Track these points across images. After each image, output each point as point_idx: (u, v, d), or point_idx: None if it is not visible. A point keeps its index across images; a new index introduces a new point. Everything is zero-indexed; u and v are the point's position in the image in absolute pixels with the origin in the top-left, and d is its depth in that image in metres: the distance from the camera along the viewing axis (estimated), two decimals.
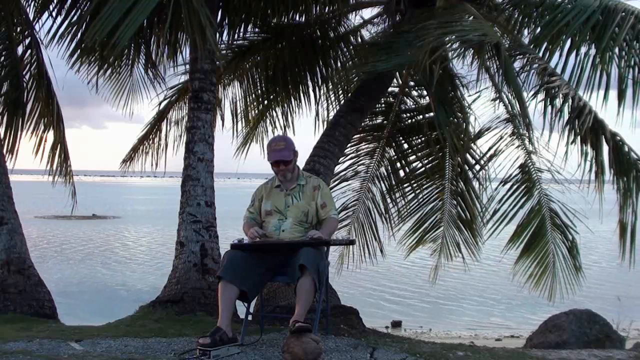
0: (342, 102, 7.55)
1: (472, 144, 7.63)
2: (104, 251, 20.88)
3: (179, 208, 5.97)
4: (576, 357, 4.56)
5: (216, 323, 4.12)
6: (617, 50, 6.15)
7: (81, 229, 27.17)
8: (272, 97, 8.32)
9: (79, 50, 6.51)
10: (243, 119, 8.55)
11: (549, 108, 5.94)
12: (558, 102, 5.95)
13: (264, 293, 5.43)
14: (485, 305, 13.85)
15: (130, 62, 7.44)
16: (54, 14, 6.31)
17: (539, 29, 6.62)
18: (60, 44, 6.32)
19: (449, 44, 5.94)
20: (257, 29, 7.79)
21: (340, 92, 7.79)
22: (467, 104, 7.40)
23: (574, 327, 6.56)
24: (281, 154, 4.55)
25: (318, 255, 4.27)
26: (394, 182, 8.21)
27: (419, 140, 8.05)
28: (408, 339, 5.48)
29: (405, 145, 8.19)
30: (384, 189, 8.24)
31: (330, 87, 7.88)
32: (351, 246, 8.16)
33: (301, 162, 6.38)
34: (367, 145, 8.24)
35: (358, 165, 8.27)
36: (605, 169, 6.27)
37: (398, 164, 8.19)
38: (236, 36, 7.60)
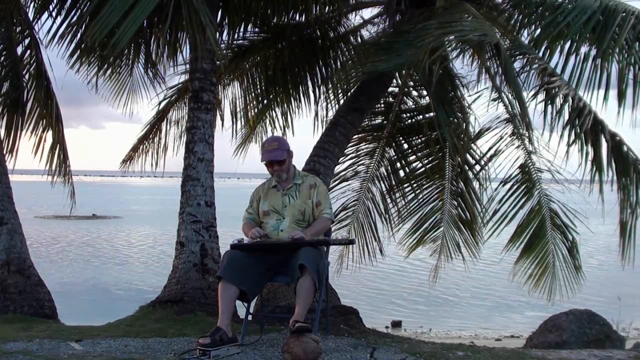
0: (342, 102, 7.55)
1: (472, 144, 7.63)
2: (104, 251, 20.86)
3: (179, 208, 5.97)
4: (576, 357, 4.56)
5: (216, 323, 4.13)
6: (617, 50, 6.14)
7: (81, 229, 27.15)
8: (271, 97, 8.32)
9: (78, 51, 6.51)
10: (243, 119, 8.56)
11: (549, 108, 5.94)
12: (558, 102, 5.95)
13: (264, 293, 5.44)
14: (485, 305, 13.85)
15: (130, 62, 7.44)
16: (53, 14, 6.31)
17: (539, 30, 6.62)
18: (60, 44, 6.32)
19: (449, 44, 5.94)
20: (257, 29, 7.79)
21: (340, 92, 7.78)
22: (467, 104, 7.40)
23: (574, 327, 6.56)
24: (274, 154, 4.57)
25: (318, 255, 4.28)
26: (394, 182, 8.20)
27: (419, 140, 8.05)
28: (408, 339, 5.48)
29: (405, 145, 8.19)
30: (384, 189, 8.24)
31: (330, 87, 7.88)
32: (351, 246, 8.16)
33: (301, 162, 6.40)
34: (367, 145, 8.24)
35: (358, 165, 8.26)
36: (604, 169, 6.26)
37: (398, 164, 8.19)
38: (236, 36, 7.61)
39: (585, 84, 6.24)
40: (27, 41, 6.59)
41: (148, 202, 48.85)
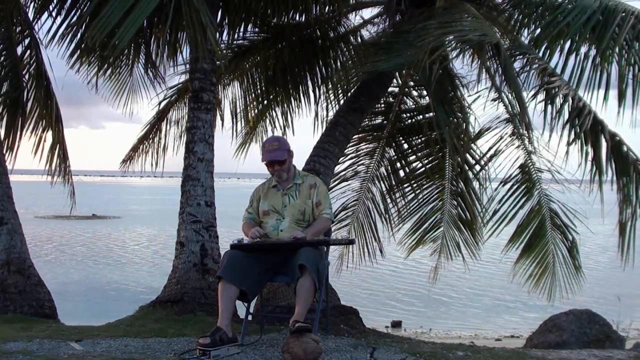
0: (342, 102, 7.55)
1: (472, 144, 7.63)
2: (104, 251, 20.87)
3: (179, 208, 5.97)
4: (576, 357, 4.56)
5: (216, 323, 4.13)
6: (617, 50, 6.15)
7: (81, 229, 27.15)
8: (271, 97, 8.32)
9: (78, 51, 6.51)
10: (243, 119, 8.55)
11: (549, 108, 5.94)
12: (558, 102, 5.95)
13: (264, 293, 5.44)
14: (485, 305, 13.85)
15: (130, 62, 7.45)
16: (53, 14, 6.31)
17: (539, 30, 6.62)
18: (60, 44, 6.33)
19: (449, 44, 5.94)
20: (257, 29, 7.79)
21: (340, 92, 7.78)
22: (467, 104, 7.40)
23: (574, 327, 6.57)
24: (274, 154, 4.57)
25: (318, 255, 4.28)
26: (394, 182, 8.20)
27: (419, 140, 8.04)
28: (408, 339, 5.49)
29: (405, 145, 8.18)
30: (384, 189, 8.24)
31: (330, 87, 7.88)
32: (351, 246, 8.16)
33: (301, 162, 6.40)
34: (367, 145, 8.23)
35: (358, 165, 8.26)
36: (604, 169, 6.26)
37: (398, 164, 8.18)
38: (236, 36, 7.61)
39: (585, 84, 6.24)
40: (27, 41, 6.59)
41: (148, 202, 48.85)
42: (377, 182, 8.26)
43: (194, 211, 5.84)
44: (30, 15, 6.59)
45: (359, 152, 8.22)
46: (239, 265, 4.24)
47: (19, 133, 6.59)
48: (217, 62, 6.51)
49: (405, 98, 8.15)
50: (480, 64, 6.10)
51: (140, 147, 8.74)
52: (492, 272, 15.68)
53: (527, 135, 6.99)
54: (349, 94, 7.40)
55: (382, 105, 8.09)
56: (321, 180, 4.90)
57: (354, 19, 7.94)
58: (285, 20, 7.55)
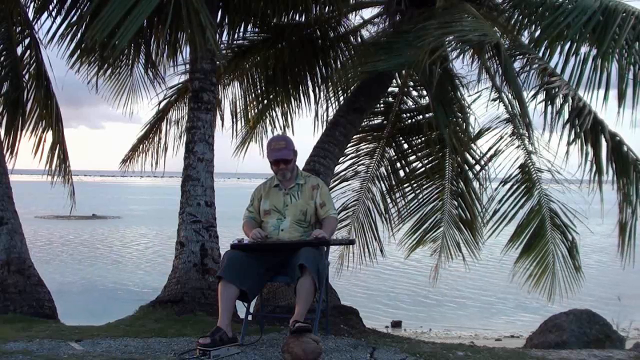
0: (342, 102, 7.55)
1: (472, 144, 7.63)
2: (104, 251, 20.88)
3: (179, 208, 5.98)
4: (576, 357, 4.56)
5: (216, 323, 4.13)
6: (617, 50, 6.14)
7: (81, 229, 27.15)
8: (271, 97, 8.32)
9: (78, 51, 6.51)
10: (243, 119, 8.55)
11: (549, 108, 5.94)
12: (558, 102, 5.94)
13: (264, 293, 5.44)
14: (485, 305, 13.86)
15: (130, 62, 7.44)
16: (53, 14, 6.30)
17: (539, 30, 6.61)
18: (60, 44, 6.32)
19: (449, 44, 5.94)
20: (257, 29, 7.79)
21: (340, 92, 7.79)
22: (467, 104, 7.40)
23: (574, 327, 6.57)
24: (281, 153, 4.57)
25: (318, 255, 4.27)
26: (394, 182, 8.20)
27: (419, 140, 8.04)
28: (408, 339, 5.48)
29: (405, 145, 8.19)
30: (384, 189, 8.24)
31: (330, 87, 7.88)
32: (351, 246, 8.16)
33: (301, 162, 6.40)
34: (367, 145, 8.24)
35: (358, 165, 8.27)
36: (604, 169, 6.26)
37: (398, 164, 8.19)
38: (236, 36, 7.60)
39: (585, 84, 6.23)
40: (27, 41, 6.58)
41: (148, 202, 48.85)
42: (377, 182, 8.27)
43: (194, 211, 5.84)
44: (30, 15, 6.58)
45: (359, 152, 8.23)
46: (239, 265, 4.24)
47: (19, 133, 6.59)
48: (217, 62, 6.50)
49: (405, 98, 8.15)
50: (480, 64, 6.11)
51: (140, 147, 8.74)
52: (492, 272, 15.69)
53: (527, 135, 6.99)
54: (349, 93, 7.40)
55: (382, 105, 8.09)
56: (322, 181, 4.91)
57: (354, 19, 7.96)
58: (285, 20, 7.55)
